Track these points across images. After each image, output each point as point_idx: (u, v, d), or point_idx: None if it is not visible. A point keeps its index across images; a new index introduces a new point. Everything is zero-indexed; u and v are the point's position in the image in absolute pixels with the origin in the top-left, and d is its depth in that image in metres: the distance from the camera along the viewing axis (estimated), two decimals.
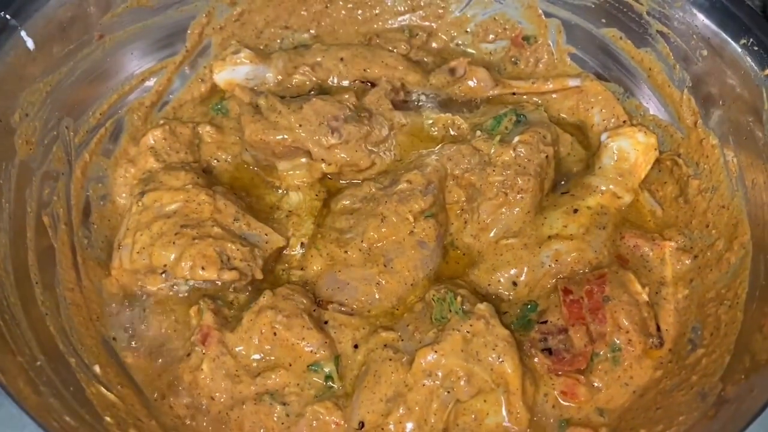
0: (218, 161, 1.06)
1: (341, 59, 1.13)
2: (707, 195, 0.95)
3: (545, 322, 0.90)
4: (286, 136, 1.00)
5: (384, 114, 1.07)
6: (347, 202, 1.00)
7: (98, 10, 0.97)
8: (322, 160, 1.01)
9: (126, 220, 0.94)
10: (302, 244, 0.99)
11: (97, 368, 0.80)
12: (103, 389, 0.77)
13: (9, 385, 0.60)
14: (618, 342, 0.85)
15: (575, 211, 0.97)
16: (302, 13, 1.17)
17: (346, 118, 1.02)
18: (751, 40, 0.89)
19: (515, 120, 1.05)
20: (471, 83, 1.12)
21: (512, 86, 1.13)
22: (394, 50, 1.17)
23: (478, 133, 1.04)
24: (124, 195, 1.00)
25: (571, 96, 1.11)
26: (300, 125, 1.00)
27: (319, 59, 1.13)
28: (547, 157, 0.99)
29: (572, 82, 1.10)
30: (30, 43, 0.88)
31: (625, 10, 1.04)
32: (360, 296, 0.93)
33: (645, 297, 0.88)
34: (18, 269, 0.79)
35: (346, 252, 0.95)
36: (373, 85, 1.12)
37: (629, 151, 1.00)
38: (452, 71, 1.14)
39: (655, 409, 0.80)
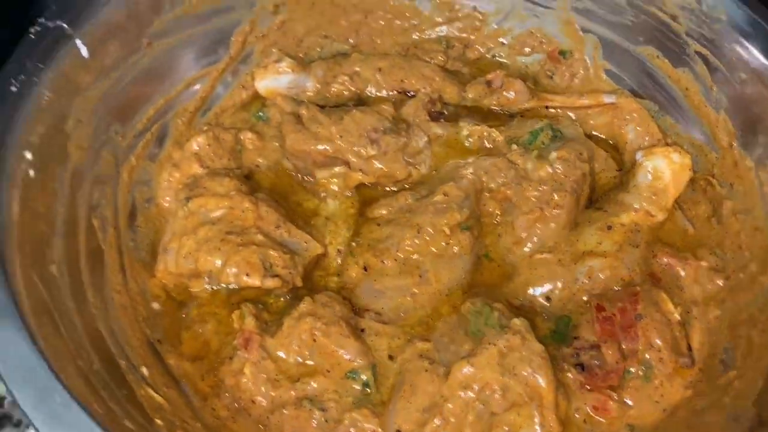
0: (259, 167, 1.08)
1: (379, 69, 1.15)
2: (741, 216, 0.96)
3: (578, 337, 0.91)
4: (327, 147, 1.03)
5: (421, 125, 1.09)
6: (383, 211, 1.02)
7: (148, 18, 0.99)
8: (360, 170, 1.03)
9: (172, 225, 0.97)
10: (339, 251, 1.01)
11: (144, 370, 0.83)
12: (151, 391, 0.80)
13: (72, 390, 0.63)
14: (650, 359, 0.87)
15: (609, 228, 0.99)
16: (342, 23, 1.19)
17: (385, 129, 1.04)
18: None
19: (551, 135, 1.06)
20: (507, 95, 1.14)
21: (547, 99, 1.14)
22: (431, 61, 1.19)
23: (514, 146, 1.06)
24: (168, 198, 1.03)
25: (606, 112, 1.12)
26: (341, 136, 1.02)
27: (357, 69, 1.15)
28: (583, 174, 1.01)
29: (607, 99, 1.12)
30: (84, 51, 0.90)
31: (663, 29, 1.05)
32: (395, 306, 0.95)
33: (677, 316, 0.90)
34: (72, 272, 0.82)
35: (382, 262, 0.97)
36: (411, 95, 1.14)
37: (664, 170, 1.01)
38: (489, 83, 1.16)
39: (686, 428, 0.82)
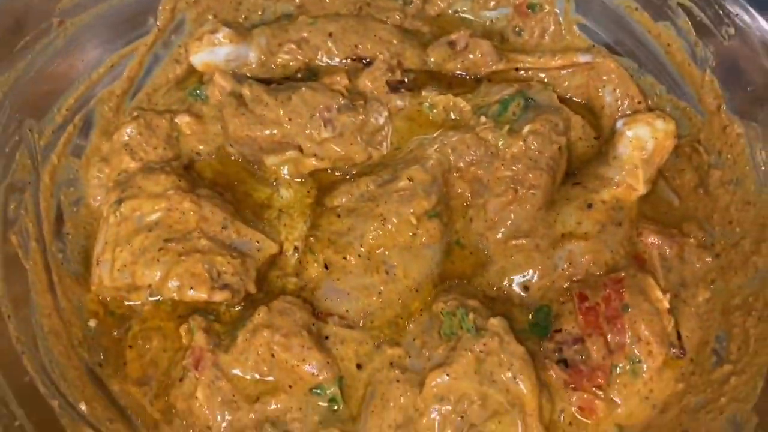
0: (200, 155, 0.97)
1: (330, 34, 1.02)
2: (730, 188, 0.89)
3: (560, 330, 0.84)
4: (274, 131, 0.92)
5: (380, 98, 0.98)
6: (343, 200, 0.92)
7: None
8: (314, 155, 0.93)
9: (103, 232, 0.86)
10: (296, 248, 0.91)
11: (83, 406, 0.74)
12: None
13: None
14: (638, 353, 0.81)
15: (589, 206, 0.91)
16: None
17: (340, 107, 0.93)
18: None
19: (523, 104, 0.96)
20: (473, 57, 1.03)
21: (517, 61, 1.04)
22: (387, 20, 1.07)
23: (483, 119, 0.95)
24: (99, 197, 0.92)
25: (581, 73, 1.02)
26: (289, 119, 0.91)
27: (305, 35, 1.02)
28: (560, 148, 0.92)
29: (583, 58, 1.01)
30: None
31: None
32: (361, 307, 0.87)
33: (666, 304, 0.83)
34: None
35: (344, 258, 0.88)
36: (367, 63, 1.02)
37: (647, 139, 0.92)
38: (452, 44, 1.04)
39: (679, 428, 0.76)
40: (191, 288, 0.81)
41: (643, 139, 0.92)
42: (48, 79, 0.87)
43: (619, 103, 1.00)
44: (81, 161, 0.92)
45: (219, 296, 0.82)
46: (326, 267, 0.89)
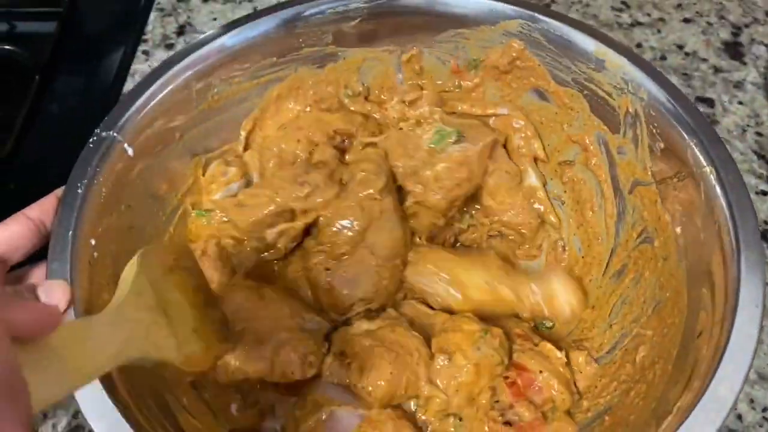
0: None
1: (298, 141, 1.35)
2: None
3: (498, 401, 1.15)
4: (271, 207, 1.25)
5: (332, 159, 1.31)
6: None
7: (180, 116, 1.26)
8: (303, 211, 1.26)
9: None
10: None
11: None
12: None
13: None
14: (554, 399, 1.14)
15: None
16: None
17: (308, 170, 1.27)
18: None
19: (455, 140, 1.27)
20: (423, 111, 1.35)
21: (455, 107, 1.38)
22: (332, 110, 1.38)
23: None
24: None
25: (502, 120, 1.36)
26: (276, 192, 1.26)
27: (283, 146, 1.36)
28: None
29: (501, 110, 1.36)
30: (131, 152, 1.17)
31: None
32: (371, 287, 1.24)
33: (563, 360, 1.17)
34: None
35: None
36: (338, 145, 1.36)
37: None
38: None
39: None
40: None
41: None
42: (169, 174, 1.28)
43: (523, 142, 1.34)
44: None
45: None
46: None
